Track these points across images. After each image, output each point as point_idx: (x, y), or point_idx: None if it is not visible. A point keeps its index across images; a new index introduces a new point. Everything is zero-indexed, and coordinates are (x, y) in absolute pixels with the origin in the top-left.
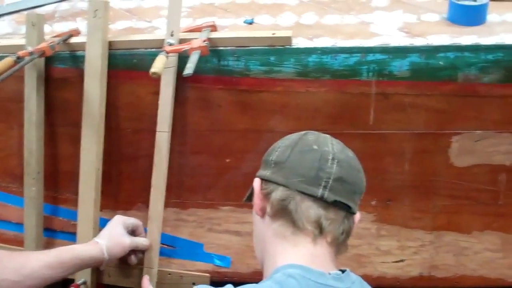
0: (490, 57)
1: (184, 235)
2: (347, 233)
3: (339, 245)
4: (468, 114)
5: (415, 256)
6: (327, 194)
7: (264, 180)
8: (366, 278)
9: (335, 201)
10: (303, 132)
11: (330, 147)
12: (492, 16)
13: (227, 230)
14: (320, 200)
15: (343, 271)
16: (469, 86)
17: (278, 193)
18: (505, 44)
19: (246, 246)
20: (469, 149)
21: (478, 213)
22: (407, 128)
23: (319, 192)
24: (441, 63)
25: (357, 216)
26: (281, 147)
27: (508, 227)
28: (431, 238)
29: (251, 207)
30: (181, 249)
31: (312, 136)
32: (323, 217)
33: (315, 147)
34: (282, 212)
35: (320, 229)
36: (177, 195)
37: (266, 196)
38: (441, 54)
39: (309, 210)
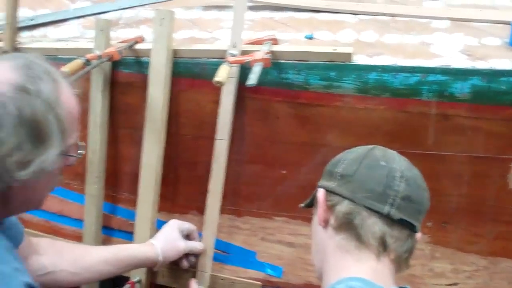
0: None
1: (238, 242)
2: (410, 251)
3: (401, 263)
4: None
5: (469, 281)
6: (393, 212)
7: (328, 191)
8: None
9: (401, 219)
10: (370, 146)
11: (398, 164)
12: None
13: (280, 240)
14: (386, 217)
15: None
16: None
17: (344, 206)
18: None
19: (299, 257)
20: None
21: None
22: (466, 151)
23: (386, 209)
24: (503, 87)
25: (418, 235)
26: (347, 160)
27: None
28: (486, 263)
29: (305, 219)
30: (234, 256)
31: (379, 151)
32: (388, 234)
33: (383, 163)
34: (347, 226)
35: (384, 246)
36: (232, 202)
37: (331, 208)
38: (504, 79)
39: (375, 226)
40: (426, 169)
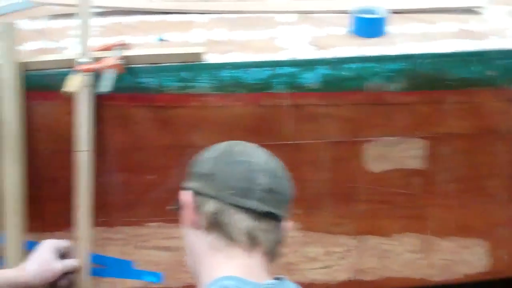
0: (393, 66)
1: (113, 254)
2: (280, 242)
3: (273, 254)
4: (378, 121)
5: (342, 261)
6: (259, 206)
7: (194, 192)
8: None
9: (267, 212)
10: (228, 143)
11: (258, 158)
12: (392, 28)
13: (156, 246)
14: (253, 212)
15: (279, 279)
16: (376, 95)
17: (211, 206)
18: (406, 54)
19: (177, 261)
20: (382, 155)
21: (396, 216)
22: (322, 138)
23: (251, 204)
24: (348, 73)
25: (289, 224)
26: (207, 159)
27: (425, 228)
28: (355, 242)
29: (179, 222)
30: (111, 268)
31: (238, 147)
32: (256, 228)
33: (243, 158)
34: (216, 225)
35: (254, 241)
36: (103, 214)
37: (198, 209)
38: (348, 65)
39: (242, 222)
40: (287, 159)
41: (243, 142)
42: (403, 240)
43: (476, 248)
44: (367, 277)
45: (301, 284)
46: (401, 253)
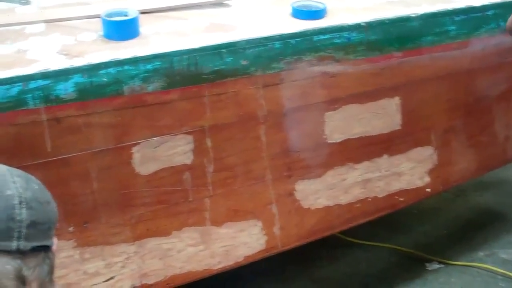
0: (149, 66)
1: None
2: (51, 269)
3: (46, 285)
4: (142, 123)
5: (124, 270)
6: (23, 244)
7: None
8: None
9: (33, 247)
10: None
11: (14, 188)
12: (145, 28)
13: None
14: (17, 253)
15: None
16: (137, 97)
17: None
18: (160, 53)
19: None
20: (151, 156)
21: (173, 214)
22: (87, 148)
23: (14, 245)
24: (104, 79)
25: (54, 246)
26: None
27: (201, 220)
28: (134, 248)
29: None
30: None
31: None
32: (23, 268)
33: None
34: None
35: (23, 281)
36: None
37: None
38: (103, 71)
39: (7, 266)
40: (52, 176)
41: None
42: (182, 236)
43: (251, 229)
44: (152, 280)
45: None
46: (182, 248)
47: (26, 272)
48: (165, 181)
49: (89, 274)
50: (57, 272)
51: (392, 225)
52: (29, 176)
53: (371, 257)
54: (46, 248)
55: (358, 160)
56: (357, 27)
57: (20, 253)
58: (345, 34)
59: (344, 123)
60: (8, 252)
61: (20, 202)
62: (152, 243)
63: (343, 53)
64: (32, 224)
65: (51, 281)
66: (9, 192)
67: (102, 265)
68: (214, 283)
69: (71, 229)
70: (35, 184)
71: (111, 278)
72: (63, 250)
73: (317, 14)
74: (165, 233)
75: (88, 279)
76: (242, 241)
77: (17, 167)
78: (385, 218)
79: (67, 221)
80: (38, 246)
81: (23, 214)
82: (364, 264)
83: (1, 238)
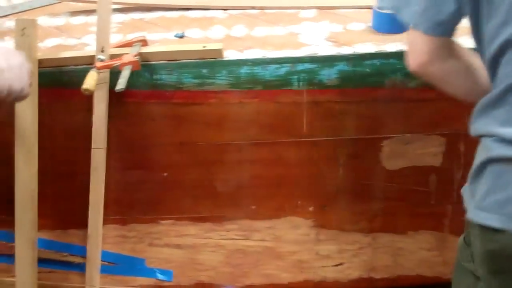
0: None
1: (125, 251)
2: None
3: None
4: (397, 118)
5: (354, 259)
6: None
7: None
8: (307, 283)
9: None
10: None
11: None
12: None
13: (168, 244)
14: None
15: None
16: (396, 92)
17: None
18: None
19: (188, 258)
20: (400, 152)
21: (411, 214)
22: (339, 135)
23: None
24: (367, 70)
25: None
26: None
27: (440, 226)
28: (368, 240)
29: (191, 219)
30: (123, 265)
31: None
32: None
33: None
34: None
35: None
36: (116, 211)
37: None
38: (368, 62)
39: None
40: (303, 155)
41: None
42: (417, 238)
43: None
44: (379, 275)
45: (312, 282)
46: (415, 250)
47: None
48: (410, 179)
49: (321, 255)
50: (291, 247)
51: None
52: None
53: None
54: None
55: None
56: None
57: None
58: None
59: None
60: None
61: None
62: (386, 238)
63: None
64: None
65: None
66: None
67: (334, 250)
68: None
69: (311, 208)
70: None
71: (340, 264)
72: (301, 227)
73: None
74: (400, 231)
75: (319, 259)
76: None
77: (274, 142)
78: None
79: (309, 200)
80: None
81: None
82: None
83: None
